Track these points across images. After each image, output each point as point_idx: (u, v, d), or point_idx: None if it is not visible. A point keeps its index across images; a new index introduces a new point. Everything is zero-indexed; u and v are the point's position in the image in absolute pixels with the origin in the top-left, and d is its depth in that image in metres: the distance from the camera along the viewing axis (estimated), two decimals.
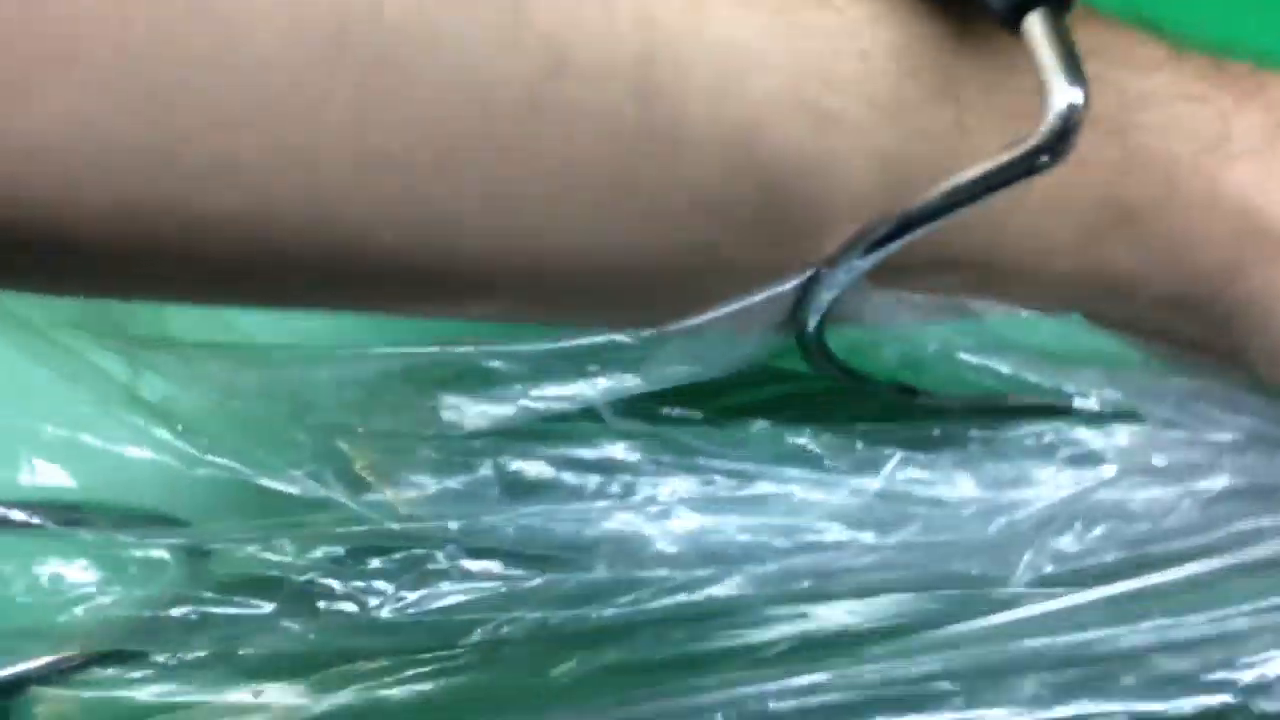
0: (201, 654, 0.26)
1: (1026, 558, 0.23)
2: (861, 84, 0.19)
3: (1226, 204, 0.20)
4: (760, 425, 0.24)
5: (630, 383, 0.23)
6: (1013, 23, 0.17)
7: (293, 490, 0.25)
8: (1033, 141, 0.17)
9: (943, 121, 0.19)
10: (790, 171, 0.19)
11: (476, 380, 0.24)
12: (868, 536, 0.23)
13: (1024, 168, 0.17)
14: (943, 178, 0.18)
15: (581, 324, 0.22)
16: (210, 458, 0.25)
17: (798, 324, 0.21)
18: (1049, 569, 0.23)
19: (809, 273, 0.20)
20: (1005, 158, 0.17)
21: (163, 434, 0.25)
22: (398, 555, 0.25)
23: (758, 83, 0.18)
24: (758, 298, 0.21)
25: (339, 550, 0.25)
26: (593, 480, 0.24)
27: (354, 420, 0.25)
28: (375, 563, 0.24)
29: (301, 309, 0.22)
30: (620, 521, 0.24)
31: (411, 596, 0.24)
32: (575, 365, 0.23)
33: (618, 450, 0.24)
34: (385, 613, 0.24)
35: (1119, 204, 0.20)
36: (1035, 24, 0.17)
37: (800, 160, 0.19)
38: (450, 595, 0.24)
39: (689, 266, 0.20)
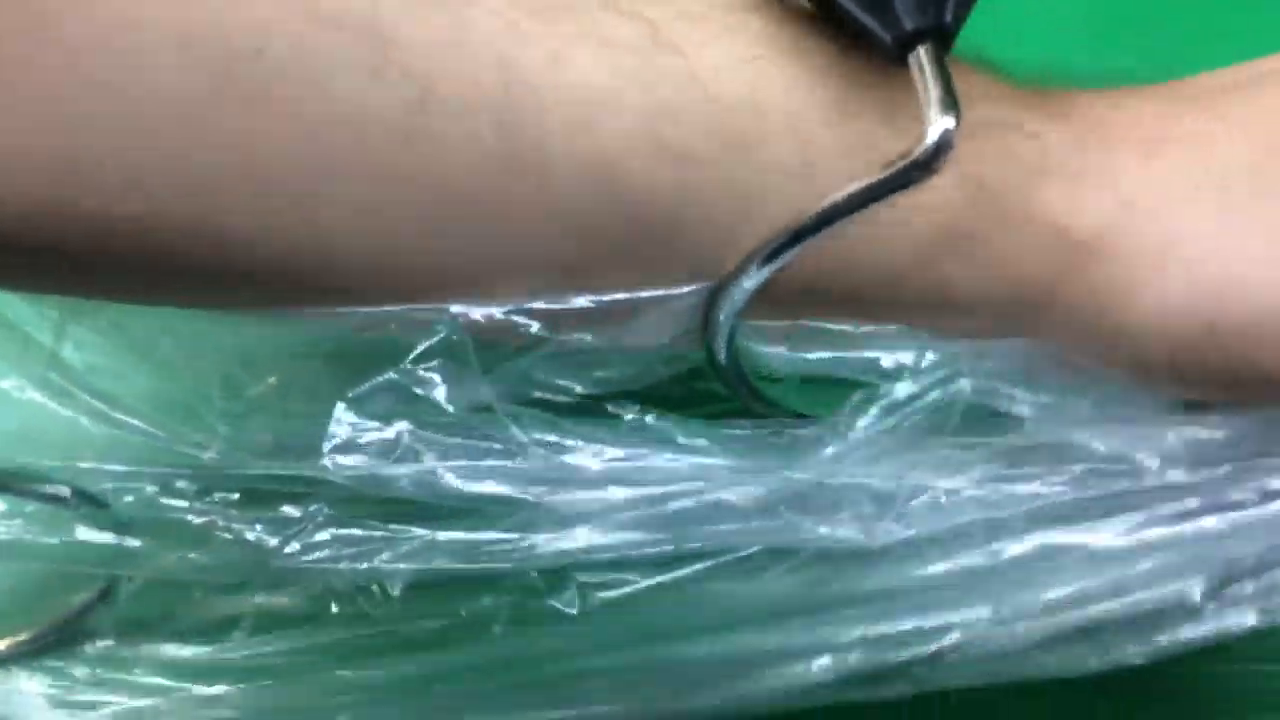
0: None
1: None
2: (709, 122, 0.20)
3: (1041, 221, 0.22)
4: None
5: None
6: (900, 57, 0.19)
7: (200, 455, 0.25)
8: (912, 157, 0.19)
9: (790, 156, 0.21)
10: (649, 203, 0.21)
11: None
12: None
13: (901, 181, 0.19)
14: (801, 203, 0.20)
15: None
16: (119, 415, 0.26)
17: (706, 346, 0.23)
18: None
19: (705, 292, 0.22)
20: (885, 173, 0.19)
21: (77, 391, 0.26)
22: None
23: (612, 121, 0.20)
24: (668, 293, 0.22)
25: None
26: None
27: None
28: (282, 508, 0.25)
29: (198, 308, 0.24)
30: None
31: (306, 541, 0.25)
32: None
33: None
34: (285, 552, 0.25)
35: (950, 229, 0.22)
36: (919, 58, 0.19)
37: (657, 193, 0.20)
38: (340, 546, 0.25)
39: (559, 283, 0.22)
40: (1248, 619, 0.24)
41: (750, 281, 0.21)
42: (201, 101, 0.19)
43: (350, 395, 0.24)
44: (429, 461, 0.24)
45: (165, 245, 0.20)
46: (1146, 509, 0.24)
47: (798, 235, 0.20)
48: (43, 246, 0.20)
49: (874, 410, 0.24)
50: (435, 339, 0.23)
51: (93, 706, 0.28)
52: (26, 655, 0.29)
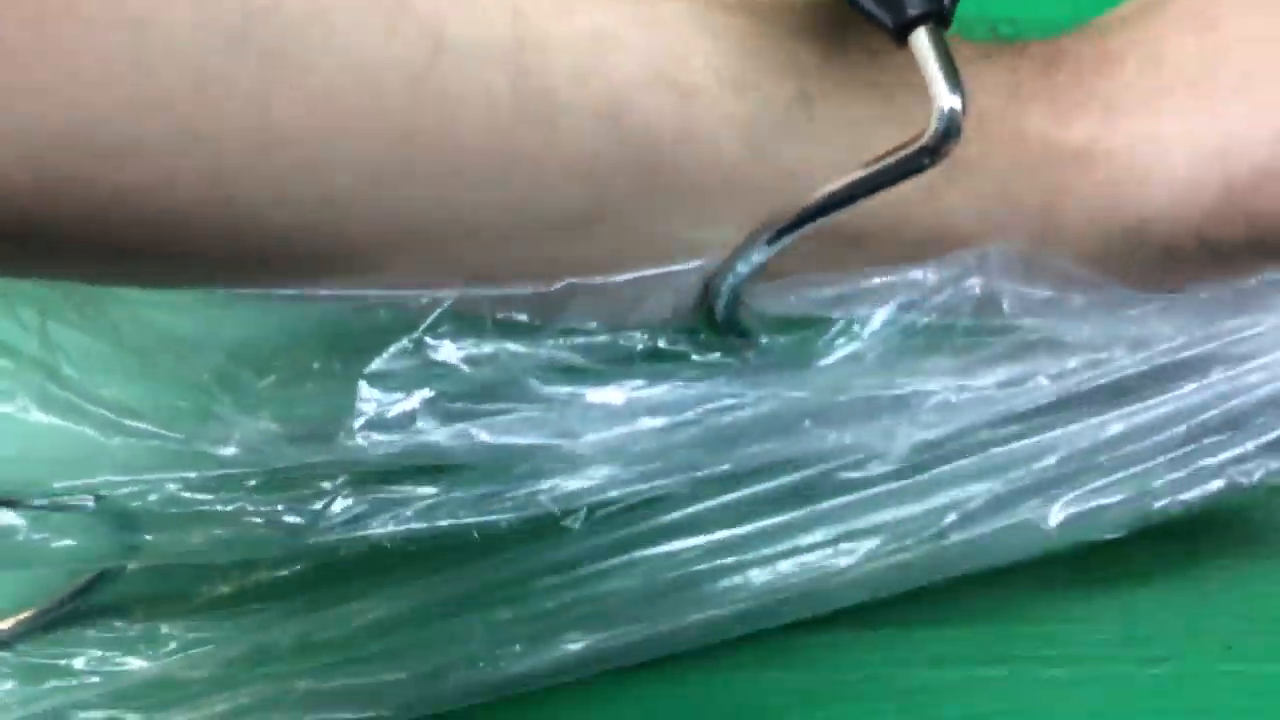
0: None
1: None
2: (711, 59, 0.21)
3: (1031, 138, 0.23)
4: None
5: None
6: (901, 38, 0.20)
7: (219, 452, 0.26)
8: (920, 143, 0.19)
9: (786, 93, 0.21)
10: (658, 139, 0.21)
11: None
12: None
13: (910, 167, 0.19)
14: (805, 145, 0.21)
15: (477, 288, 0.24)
16: (128, 423, 0.26)
17: (706, 307, 0.23)
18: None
19: (714, 264, 0.23)
20: (892, 159, 0.20)
21: (79, 401, 0.26)
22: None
23: (619, 62, 0.20)
24: (670, 269, 0.23)
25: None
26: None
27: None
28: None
29: (199, 288, 0.23)
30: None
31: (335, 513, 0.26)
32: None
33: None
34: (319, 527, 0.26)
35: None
36: (921, 38, 0.19)
37: (665, 129, 0.21)
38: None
39: (574, 235, 0.22)
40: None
41: (754, 260, 0.22)
42: (216, 62, 0.19)
43: (368, 371, 0.24)
44: (459, 424, 0.25)
45: (175, 214, 0.20)
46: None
47: (804, 217, 0.21)
48: (52, 219, 0.20)
49: (891, 308, 0.24)
50: (441, 309, 0.23)
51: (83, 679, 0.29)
52: (28, 634, 0.30)
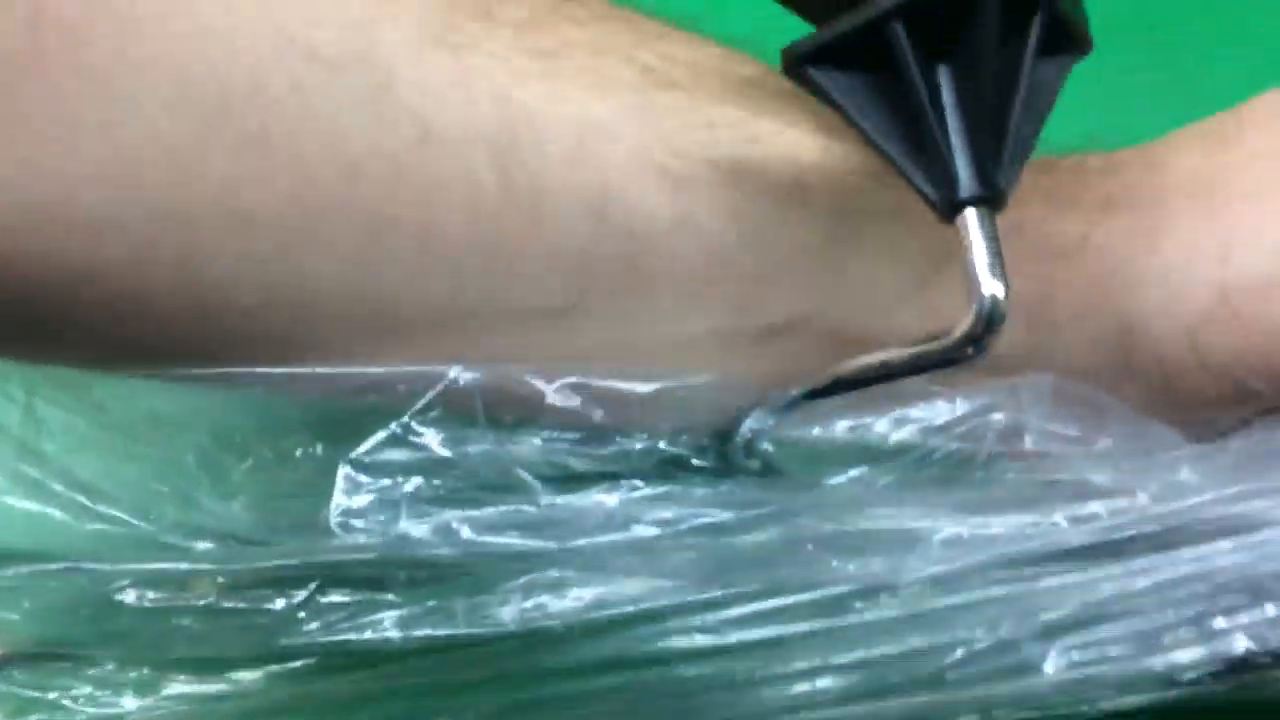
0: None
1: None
2: (706, 150, 0.20)
3: (1027, 231, 0.22)
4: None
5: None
6: (948, 216, 0.18)
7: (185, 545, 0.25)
8: (961, 331, 0.18)
9: (783, 183, 0.20)
10: (646, 229, 0.20)
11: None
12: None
13: (950, 356, 0.18)
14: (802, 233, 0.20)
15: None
16: (101, 509, 0.25)
17: (721, 435, 0.22)
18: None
19: (731, 383, 0.22)
20: (932, 346, 0.18)
21: (55, 486, 0.25)
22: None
23: (609, 152, 0.20)
24: (685, 382, 0.22)
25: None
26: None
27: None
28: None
29: (167, 374, 0.22)
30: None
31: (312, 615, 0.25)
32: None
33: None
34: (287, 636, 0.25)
35: (941, 247, 0.21)
36: (970, 221, 0.18)
37: (655, 219, 0.20)
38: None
39: (553, 326, 0.21)
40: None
41: (779, 415, 0.21)
42: (193, 143, 0.18)
43: (351, 456, 0.23)
44: (441, 517, 0.24)
45: (145, 292, 0.19)
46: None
47: (837, 386, 0.20)
48: (19, 297, 0.19)
49: (909, 431, 0.23)
50: (434, 392, 0.22)
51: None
52: (21, 664, 0.29)
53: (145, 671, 0.28)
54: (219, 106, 0.18)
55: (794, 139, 0.21)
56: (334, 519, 0.23)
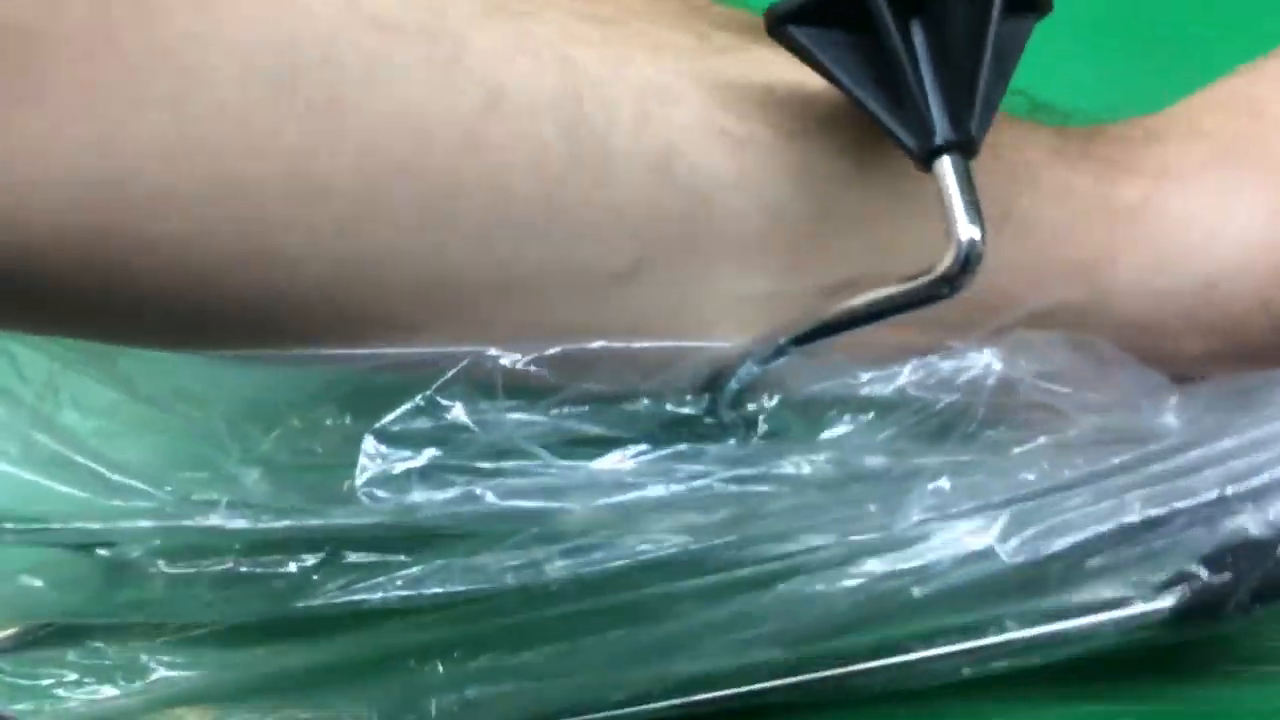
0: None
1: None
2: (765, 112, 0.21)
3: (1083, 192, 0.23)
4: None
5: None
6: (925, 164, 0.19)
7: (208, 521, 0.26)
8: (938, 271, 0.19)
9: (838, 141, 0.21)
10: (710, 188, 0.21)
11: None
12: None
13: (927, 295, 0.19)
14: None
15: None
16: (115, 478, 0.26)
17: (713, 390, 0.23)
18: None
19: (732, 349, 0.22)
20: (911, 285, 0.19)
21: (77, 457, 0.26)
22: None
23: (672, 113, 0.20)
24: (696, 345, 0.23)
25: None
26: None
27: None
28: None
29: (228, 351, 0.23)
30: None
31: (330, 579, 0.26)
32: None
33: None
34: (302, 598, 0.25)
35: (995, 207, 0.21)
36: (945, 167, 0.19)
37: (718, 178, 0.21)
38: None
39: (615, 289, 0.22)
40: None
41: (764, 363, 0.22)
42: (261, 111, 0.18)
43: (375, 427, 0.24)
44: (462, 485, 0.24)
45: (209, 267, 0.20)
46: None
47: (819, 331, 0.21)
48: (81, 273, 0.19)
49: (908, 372, 0.24)
50: (458, 368, 0.23)
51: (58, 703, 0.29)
52: (9, 651, 0.29)
53: (133, 654, 0.28)
54: (288, 76, 0.18)
55: (839, 114, 0.21)
56: (359, 486, 0.24)
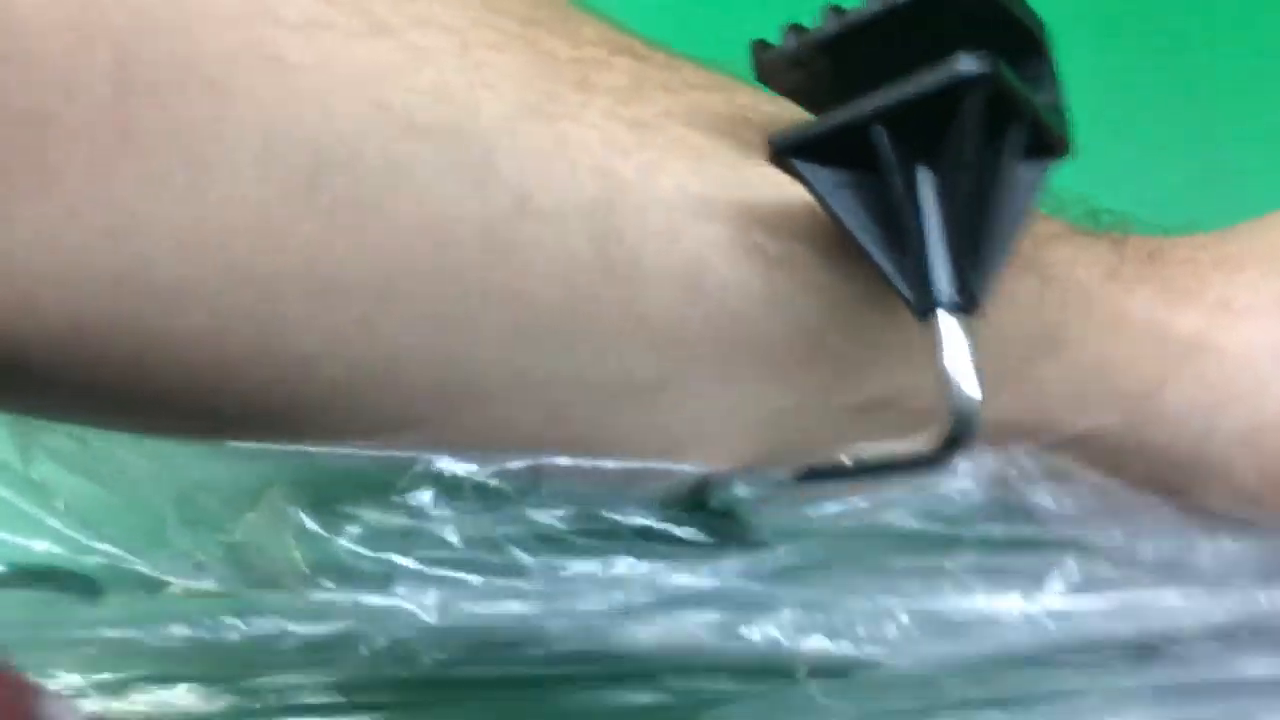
0: None
1: None
2: (802, 228, 0.20)
3: (1136, 321, 0.21)
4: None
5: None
6: (923, 316, 0.18)
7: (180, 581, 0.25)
8: (934, 440, 0.18)
9: (870, 271, 0.20)
10: (740, 307, 0.20)
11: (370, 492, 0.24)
12: None
13: (917, 464, 0.18)
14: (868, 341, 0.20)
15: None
16: (98, 545, 0.25)
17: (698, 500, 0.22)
18: None
19: (720, 477, 0.21)
20: (905, 451, 0.18)
21: (52, 521, 0.25)
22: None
23: (706, 228, 0.19)
24: (670, 467, 0.22)
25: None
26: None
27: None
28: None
29: (236, 440, 0.22)
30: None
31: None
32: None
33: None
34: None
35: (1043, 332, 0.21)
36: (942, 326, 0.18)
37: (749, 297, 0.20)
38: None
39: (634, 404, 0.21)
40: None
41: (754, 490, 0.21)
42: (280, 210, 0.18)
43: (348, 529, 0.23)
44: (436, 591, 0.24)
45: (225, 362, 0.19)
46: None
47: (807, 476, 0.20)
48: (94, 363, 0.19)
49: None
50: (427, 465, 0.22)
51: None
52: None
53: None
54: (310, 172, 0.18)
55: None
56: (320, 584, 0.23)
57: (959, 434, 0.18)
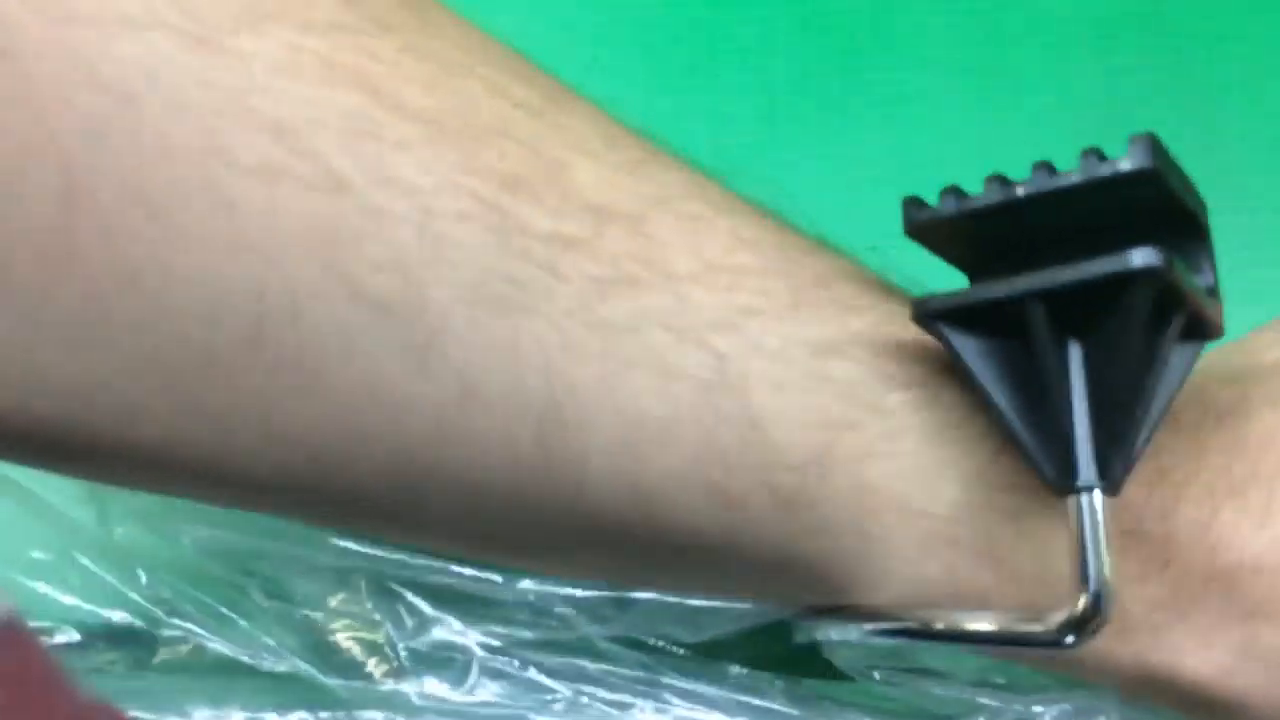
0: None
1: None
2: (767, 475, 0.19)
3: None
4: (735, 670, 0.25)
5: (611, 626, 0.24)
6: (1060, 495, 0.18)
7: (262, 664, 0.25)
8: (1064, 616, 0.18)
9: (845, 522, 0.19)
10: (689, 540, 0.19)
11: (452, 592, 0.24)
12: None
13: (1052, 641, 0.18)
14: (851, 579, 0.20)
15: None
16: (175, 621, 0.25)
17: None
18: None
19: (805, 611, 0.21)
20: (1036, 627, 0.18)
21: (130, 594, 0.25)
22: None
23: (660, 456, 0.19)
24: (747, 607, 0.22)
25: None
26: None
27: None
28: None
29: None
30: None
31: None
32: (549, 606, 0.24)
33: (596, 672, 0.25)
34: None
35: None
36: (1084, 507, 0.18)
37: (699, 533, 0.19)
38: None
39: (596, 576, 0.21)
40: None
41: (849, 635, 0.21)
42: (226, 356, 0.18)
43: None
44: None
45: (177, 474, 0.19)
46: None
47: (918, 633, 0.20)
48: (57, 451, 0.19)
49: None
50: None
51: None
52: None
53: None
54: (255, 327, 0.17)
55: (874, 473, 0.19)
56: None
57: (1092, 614, 0.18)
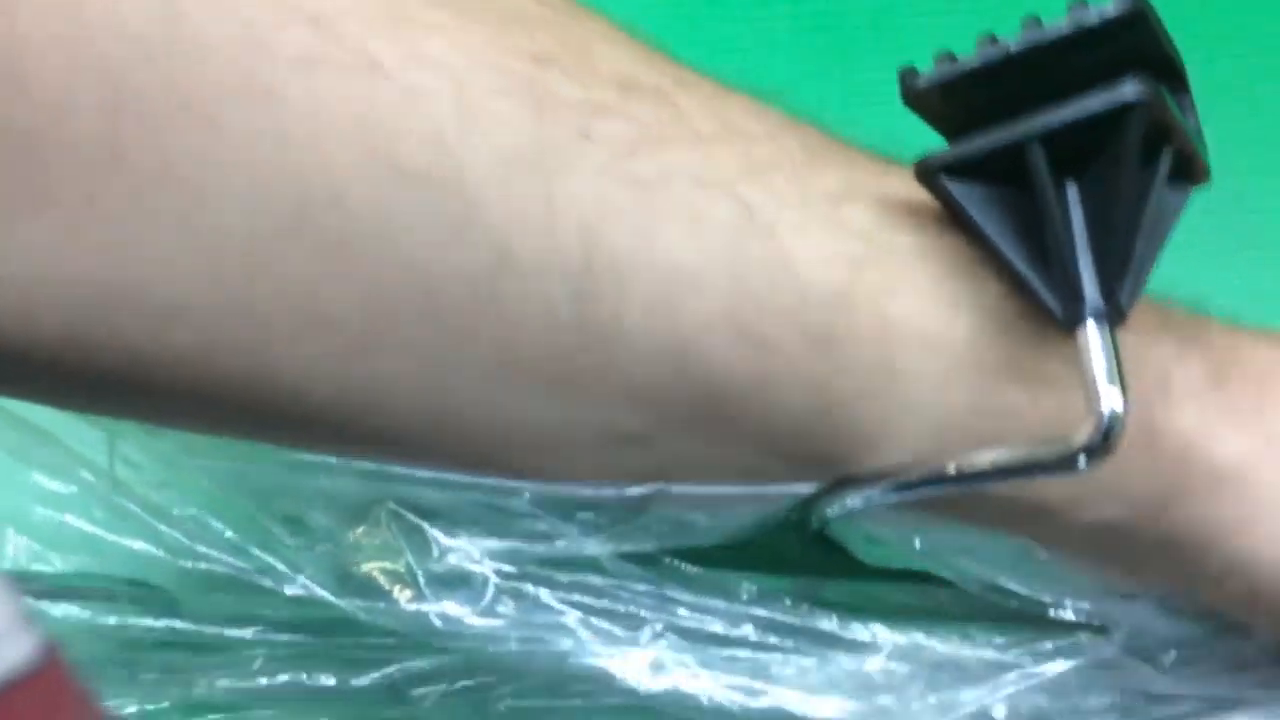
0: None
1: None
2: (796, 315, 0.19)
3: (1165, 441, 0.21)
4: (748, 586, 0.25)
5: (623, 540, 0.24)
6: (1069, 327, 0.19)
7: (288, 590, 0.25)
8: (1079, 441, 0.18)
9: (868, 358, 0.20)
10: (723, 388, 0.20)
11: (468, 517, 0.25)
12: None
13: (1064, 464, 0.19)
14: (881, 421, 0.20)
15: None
16: (201, 548, 0.25)
17: (801, 520, 0.22)
18: None
19: (823, 486, 0.22)
20: (1047, 452, 0.19)
21: (151, 521, 0.25)
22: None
23: (695, 304, 0.19)
24: (766, 489, 0.22)
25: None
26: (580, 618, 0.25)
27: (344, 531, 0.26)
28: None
29: (237, 439, 0.23)
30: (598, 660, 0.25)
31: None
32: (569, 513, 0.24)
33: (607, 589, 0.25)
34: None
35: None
36: (1091, 335, 0.19)
37: (733, 380, 0.20)
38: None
39: (628, 449, 0.21)
40: None
41: (870, 500, 0.21)
42: (268, 243, 0.18)
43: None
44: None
45: (213, 381, 0.19)
46: None
47: (935, 480, 0.20)
48: (87, 369, 0.19)
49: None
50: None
51: None
52: None
53: None
54: (296, 211, 0.18)
55: (884, 307, 0.20)
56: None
57: (1106, 438, 0.18)
